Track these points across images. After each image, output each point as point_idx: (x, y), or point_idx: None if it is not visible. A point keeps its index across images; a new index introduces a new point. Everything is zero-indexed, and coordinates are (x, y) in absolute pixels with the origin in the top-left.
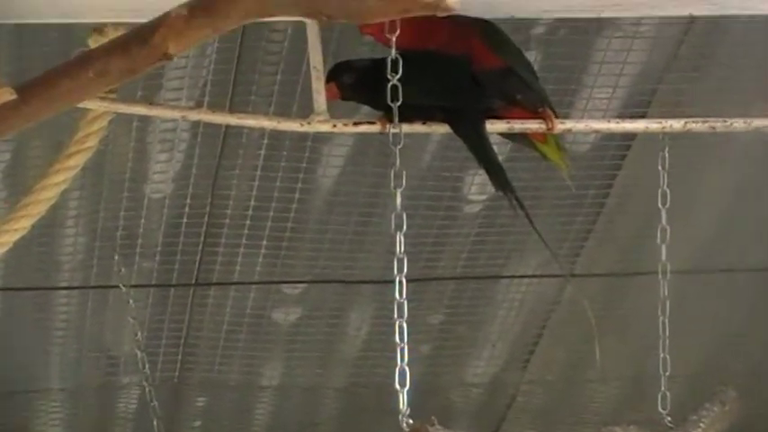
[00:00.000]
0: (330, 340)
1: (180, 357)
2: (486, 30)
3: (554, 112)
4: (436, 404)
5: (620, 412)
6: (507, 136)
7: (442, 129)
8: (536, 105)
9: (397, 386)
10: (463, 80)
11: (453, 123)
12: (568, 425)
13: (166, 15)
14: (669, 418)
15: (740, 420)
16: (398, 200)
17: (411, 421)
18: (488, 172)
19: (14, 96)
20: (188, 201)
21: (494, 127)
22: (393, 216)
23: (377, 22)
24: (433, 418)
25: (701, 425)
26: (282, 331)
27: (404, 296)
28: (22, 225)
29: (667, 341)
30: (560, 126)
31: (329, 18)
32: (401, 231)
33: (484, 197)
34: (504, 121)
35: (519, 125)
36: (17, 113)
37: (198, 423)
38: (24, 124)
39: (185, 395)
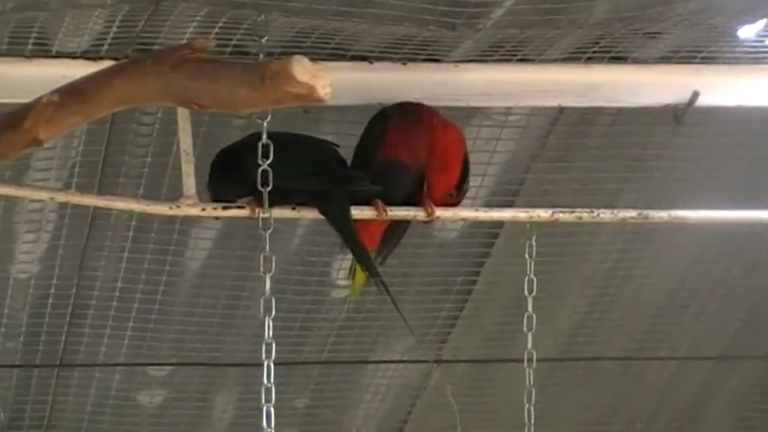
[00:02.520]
0: (195, 423)
1: None
2: None
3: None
4: None
5: None
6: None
7: (310, 214)
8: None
9: None
10: (331, 164)
11: (320, 206)
12: None
13: (37, 101)
14: None
15: None
16: (268, 284)
17: None
18: (354, 254)
19: None
20: (54, 281)
21: (362, 213)
22: (262, 300)
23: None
24: None
25: None
26: (147, 413)
27: (272, 381)
28: None
29: (533, 429)
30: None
31: (200, 107)
32: (270, 316)
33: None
34: (372, 207)
35: (392, 212)
36: None
37: None
38: None
39: None
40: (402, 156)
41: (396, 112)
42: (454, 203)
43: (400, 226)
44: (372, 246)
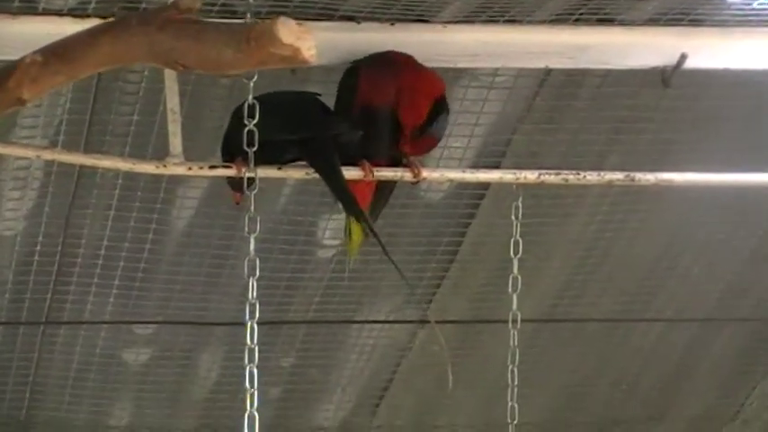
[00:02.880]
0: (180, 381)
1: (28, 396)
2: None
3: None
4: None
5: None
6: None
7: (296, 174)
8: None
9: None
10: (313, 111)
11: (307, 155)
12: None
13: (21, 61)
14: None
15: None
16: (252, 245)
17: None
18: (341, 201)
19: None
20: (40, 239)
21: (349, 174)
22: (246, 261)
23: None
24: None
25: None
26: (132, 371)
27: (255, 341)
28: None
29: (516, 390)
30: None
31: (185, 68)
32: (254, 277)
33: (337, 242)
34: (359, 168)
35: (378, 173)
36: None
37: None
38: None
39: None
40: (375, 100)
41: (366, 61)
42: (419, 148)
43: (388, 185)
44: (365, 203)
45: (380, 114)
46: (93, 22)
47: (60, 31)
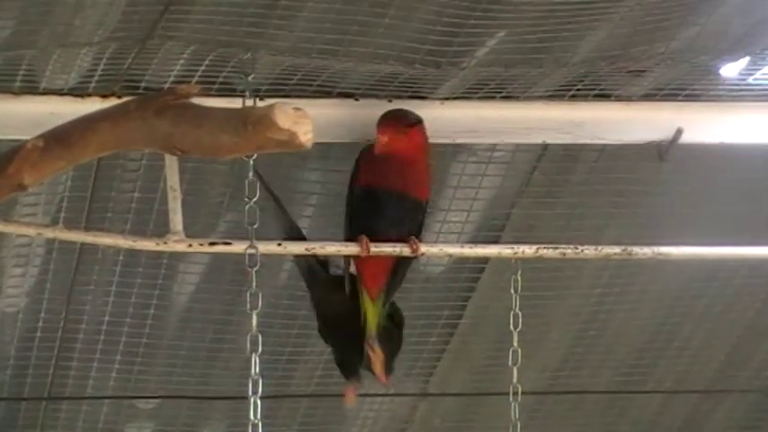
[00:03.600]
0: None
1: None
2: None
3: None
4: None
5: None
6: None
7: (296, 249)
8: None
9: None
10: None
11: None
12: None
13: (22, 146)
14: None
15: None
16: (254, 321)
17: None
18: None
19: None
20: (42, 315)
21: (347, 250)
22: (248, 337)
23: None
24: None
25: None
26: None
27: (258, 417)
28: None
29: None
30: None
31: (183, 153)
32: (257, 353)
33: None
34: (356, 244)
35: (376, 249)
36: None
37: None
38: None
39: None
40: (375, 182)
41: (369, 144)
42: None
43: (404, 263)
44: (380, 283)
45: (381, 195)
46: (94, 101)
47: (61, 110)
